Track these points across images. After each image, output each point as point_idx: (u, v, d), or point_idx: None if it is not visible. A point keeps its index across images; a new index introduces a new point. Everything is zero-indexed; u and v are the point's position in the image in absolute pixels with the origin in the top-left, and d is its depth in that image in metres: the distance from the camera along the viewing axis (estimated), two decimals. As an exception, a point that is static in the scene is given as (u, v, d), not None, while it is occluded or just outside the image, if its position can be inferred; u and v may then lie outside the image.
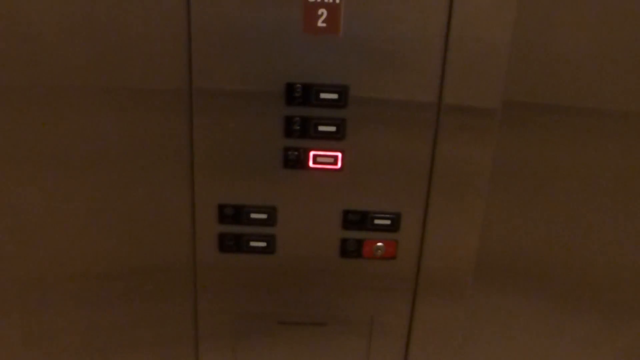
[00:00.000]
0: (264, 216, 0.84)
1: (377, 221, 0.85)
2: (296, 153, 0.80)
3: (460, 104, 0.79)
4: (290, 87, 0.77)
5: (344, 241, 0.86)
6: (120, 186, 0.83)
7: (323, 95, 0.78)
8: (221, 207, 0.83)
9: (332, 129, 0.79)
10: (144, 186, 0.83)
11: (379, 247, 0.86)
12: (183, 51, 0.76)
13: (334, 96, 0.78)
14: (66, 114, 0.78)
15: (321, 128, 0.79)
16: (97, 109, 0.78)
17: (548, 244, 0.89)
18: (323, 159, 0.81)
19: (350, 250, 0.86)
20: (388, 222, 0.85)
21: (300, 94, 0.77)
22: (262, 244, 0.85)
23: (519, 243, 0.89)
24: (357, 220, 0.85)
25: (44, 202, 0.83)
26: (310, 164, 0.81)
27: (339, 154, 0.81)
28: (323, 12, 0.74)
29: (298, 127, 0.79)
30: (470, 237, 0.87)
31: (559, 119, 0.82)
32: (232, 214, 0.84)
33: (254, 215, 0.84)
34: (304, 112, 0.79)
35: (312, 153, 0.81)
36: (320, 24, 0.75)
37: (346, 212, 0.84)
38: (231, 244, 0.85)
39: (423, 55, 0.76)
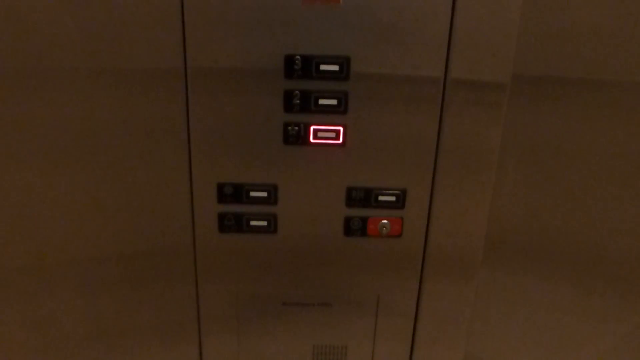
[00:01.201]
0: (264, 194, 0.82)
1: (381, 198, 0.83)
2: (297, 128, 0.78)
3: (468, 78, 0.77)
4: (289, 60, 0.75)
5: (347, 219, 0.84)
6: (116, 169, 0.82)
7: (323, 67, 0.75)
8: (220, 186, 0.82)
9: (334, 102, 0.77)
10: (141, 168, 0.82)
11: (384, 225, 0.84)
12: (176, 27, 0.74)
13: (335, 68, 0.76)
14: (58, 96, 0.77)
15: (322, 101, 0.77)
16: (89, 90, 0.77)
17: (560, 220, 0.88)
18: (324, 133, 0.79)
19: (354, 228, 0.85)
20: (393, 198, 0.83)
21: (300, 67, 0.75)
22: (263, 223, 0.84)
23: (531, 219, 0.88)
24: (361, 197, 0.83)
25: (41, 187, 0.82)
26: (311, 139, 0.79)
27: (341, 129, 0.79)
28: (322, -21, 0.72)
29: (298, 102, 0.77)
30: (479, 213, 0.85)
31: (572, 93, 0.80)
32: (232, 192, 0.82)
33: (254, 194, 0.82)
34: (304, 85, 0.77)
35: (312, 128, 0.79)
36: (319, -3, 0.73)
37: (350, 189, 0.83)
38: (231, 224, 0.84)
39: (428, 26, 0.74)
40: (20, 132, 0.79)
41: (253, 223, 0.84)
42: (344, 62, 0.75)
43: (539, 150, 0.84)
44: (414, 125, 0.79)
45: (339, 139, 0.79)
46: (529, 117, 0.81)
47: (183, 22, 0.73)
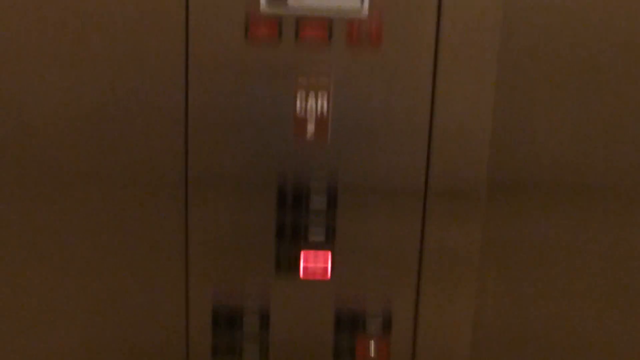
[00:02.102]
0: (256, 321, 0.84)
1: (368, 322, 0.85)
2: (287, 258, 0.82)
3: (446, 189, 0.81)
4: (282, 191, 0.79)
5: (336, 342, 0.86)
6: (117, 286, 0.84)
7: (313, 207, 0.80)
8: (215, 311, 0.84)
9: (322, 238, 0.81)
10: (139, 289, 0.84)
11: (371, 348, 0.86)
12: (180, 138, 0.77)
13: (323, 207, 0.80)
14: (58, 199, 0.80)
15: (312, 238, 0.81)
16: (92, 194, 0.80)
17: (544, 319, 0.90)
18: (313, 270, 0.82)
19: (343, 352, 0.86)
20: (379, 320, 0.85)
21: (291, 202, 0.79)
22: (256, 350, 0.86)
23: (515, 319, 0.90)
24: (348, 321, 0.85)
25: (45, 303, 0.84)
26: (301, 274, 0.82)
27: (328, 266, 0.82)
28: (312, 127, 0.77)
29: (290, 233, 0.81)
30: (463, 325, 0.87)
31: (544, 196, 0.83)
32: (226, 319, 0.84)
33: (247, 321, 0.84)
34: (296, 216, 0.80)
35: (303, 266, 0.82)
36: (309, 137, 0.78)
37: (338, 315, 0.85)
38: (223, 350, 0.85)
39: (409, 147, 0.79)
40: (22, 239, 0.81)
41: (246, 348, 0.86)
42: (331, 199, 0.79)
43: (520, 252, 0.86)
44: (398, 241, 0.82)
45: (326, 275, 0.83)
46: (507, 221, 0.84)
47: (186, 134, 0.77)
